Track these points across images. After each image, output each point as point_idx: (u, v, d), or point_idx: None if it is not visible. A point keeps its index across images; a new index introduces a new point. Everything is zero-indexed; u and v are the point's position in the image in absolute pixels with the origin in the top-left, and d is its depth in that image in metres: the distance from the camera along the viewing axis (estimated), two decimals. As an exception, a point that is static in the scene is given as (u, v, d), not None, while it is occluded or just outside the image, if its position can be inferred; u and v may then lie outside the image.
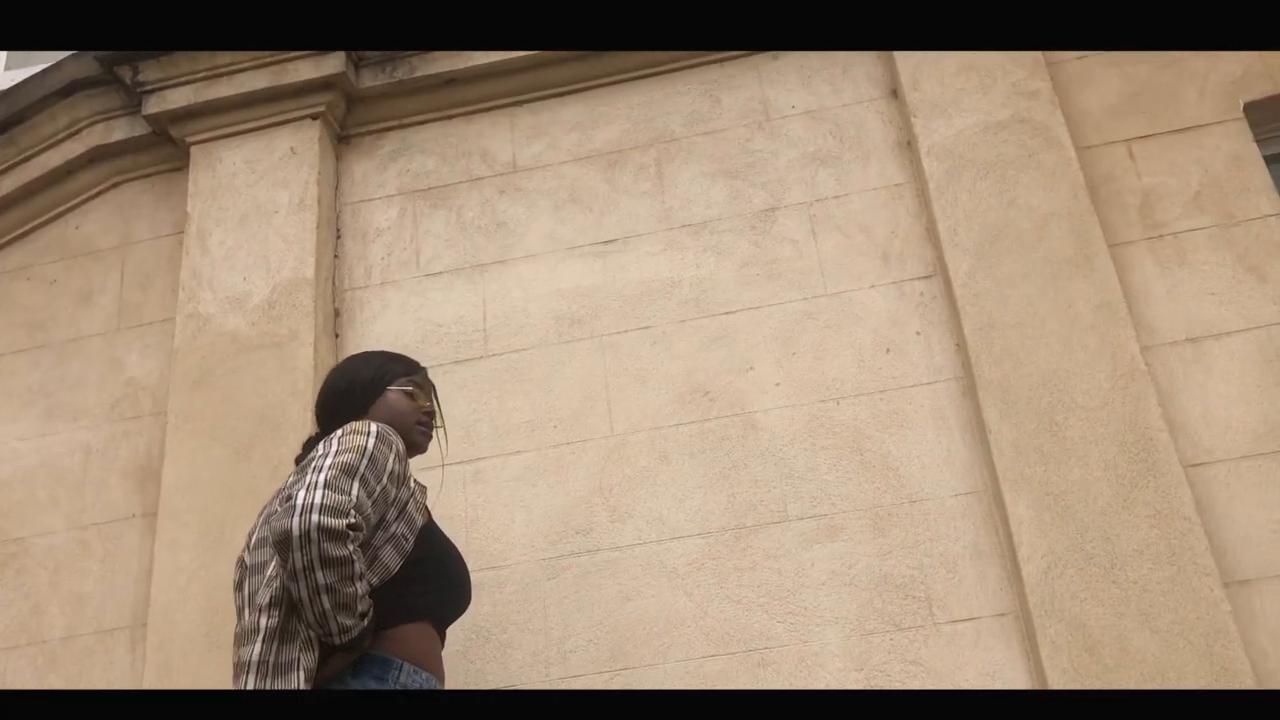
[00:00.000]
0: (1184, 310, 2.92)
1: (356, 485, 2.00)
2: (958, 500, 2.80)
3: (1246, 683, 2.42)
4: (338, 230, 3.50)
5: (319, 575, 1.91)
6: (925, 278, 3.07)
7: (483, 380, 3.17)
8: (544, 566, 2.91)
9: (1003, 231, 3.00)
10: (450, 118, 3.59)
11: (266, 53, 3.54)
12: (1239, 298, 2.90)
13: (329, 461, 1.98)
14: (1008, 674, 2.60)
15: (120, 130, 3.69)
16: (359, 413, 2.32)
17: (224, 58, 3.56)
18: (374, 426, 2.11)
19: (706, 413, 3.01)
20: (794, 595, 2.77)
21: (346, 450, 2.03)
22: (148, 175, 3.72)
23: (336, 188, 3.56)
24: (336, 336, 3.33)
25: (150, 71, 3.60)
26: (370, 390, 2.34)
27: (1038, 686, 2.56)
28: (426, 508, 2.30)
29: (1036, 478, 2.71)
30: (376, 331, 3.30)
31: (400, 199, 3.50)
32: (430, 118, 3.60)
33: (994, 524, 2.75)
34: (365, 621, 1.98)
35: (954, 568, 2.73)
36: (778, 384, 3.01)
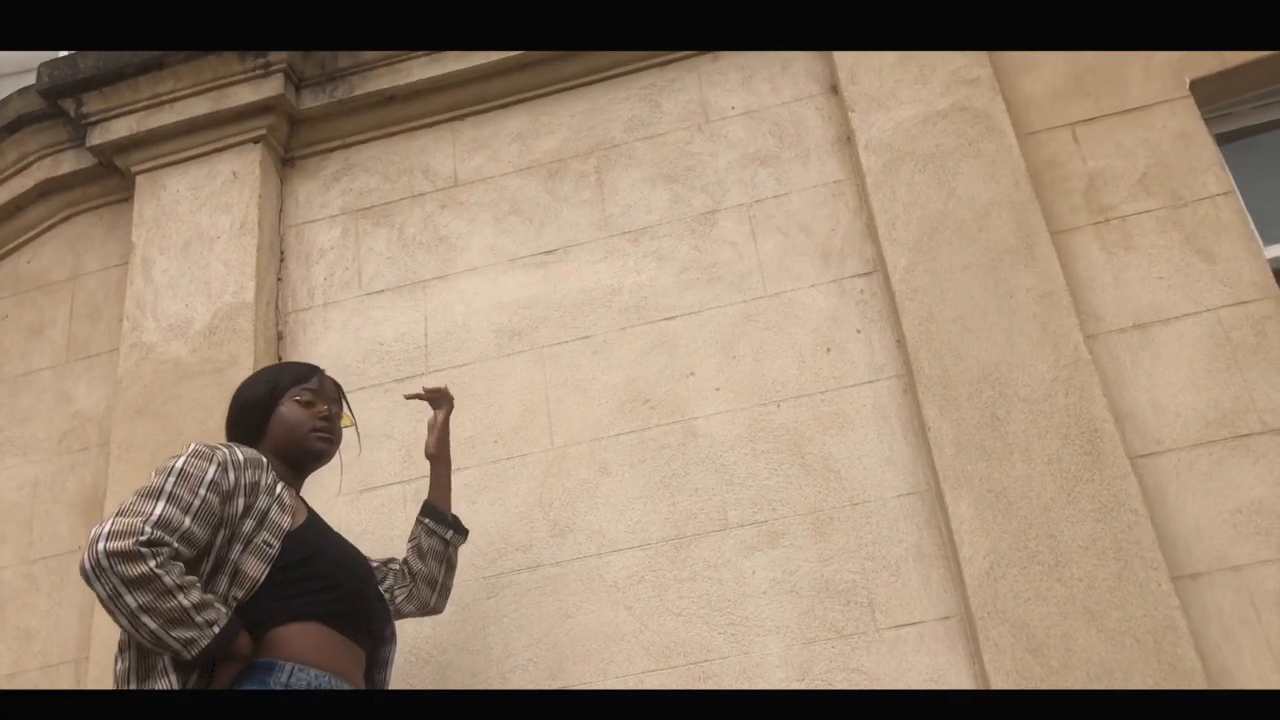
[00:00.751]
0: (1131, 296, 2.82)
1: (159, 504, 1.96)
2: (900, 501, 2.72)
3: (1196, 681, 2.32)
4: (281, 253, 3.47)
5: (128, 599, 1.87)
6: (865, 274, 3.00)
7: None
8: (484, 585, 2.85)
9: (942, 223, 2.92)
10: (392, 135, 3.56)
11: (207, 79, 3.53)
12: (1187, 281, 2.80)
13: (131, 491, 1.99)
14: (951, 678, 2.52)
15: (68, 163, 3.69)
16: (256, 433, 2.30)
17: (165, 85, 3.55)
18: (192, 446, 2.09)
19: (647, 421, 2.95)
20: (735, 605, 2.70)
21: (154, 475, 2.02)
22: (97, 207, 3.72)
23: (281, 210, 3.54)
24: (280, 359, 3.29)
25: (93, 103, 3.60)
26: (263, 407, 2.31)
27: (977, 688, 2.47)
28: (310, 511, 2.26)
29: (978, 475, 2.62)
30: (319, 353, 3.26)
31: (343, 219, 3.47)
32: (372, 136, 3.57)
33: (937, 524, 2.67)
34: (216, 629, 1.92)
35: (897, 571, 2.65)
36: (718, 389, 2.95)
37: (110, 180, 3.69)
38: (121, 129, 3.58)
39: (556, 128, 3.43)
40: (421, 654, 2.81)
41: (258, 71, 3.51)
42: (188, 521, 1.97)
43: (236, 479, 2.08)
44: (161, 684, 1.94)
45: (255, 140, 3.52)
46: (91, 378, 3.40)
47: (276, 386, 2.34)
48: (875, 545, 2.69)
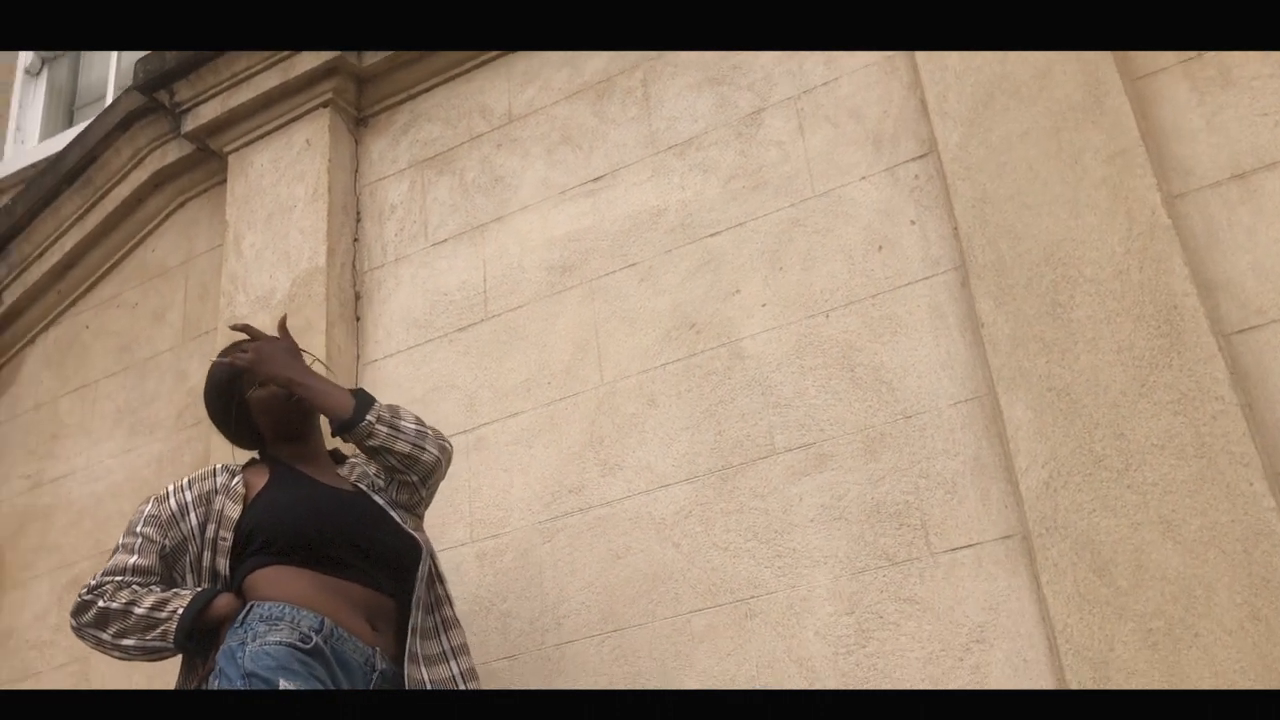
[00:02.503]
0: (1229, 141, 2.37)
1: (111, 558, 2.19)
2: (956, 409, 2.41)
3: (1295, 595, 1.94)
4: (357, 213, 3.49)
5: (103, 637, 2.12)
6: (919, 157, 2.67)
7: (484, 344, 3.07)
8: (540, 530, 2.78)
9: (998, 88, 2.55)
10: (451, 79, 3.49)
11: (274, 51, 3.57)
12: (1298, 114, 2.31)
13: None
14: (1012, 604, 2.22)
15: (173, 152, 3.86)
16: (249, 437, 2.39)
17: (240, 63, 3.63)
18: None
19: (693, 347, 2.77)
20: (782, 536, 2.49)
21: None
22: (204, 191, 3.87)
23: (356, 171, 3.56)
24: (358, 319, 3.33)
25: (183, 91, 3.73)
26: (235, 416, 2.38)
27: (1042, 616, 2.16)
28: (275, 474, 2.26)
29: (1036, 372, 2.29)
30: (391, 310, 3.27)
31: (410, 171, 3.45)
32: (434, 83, 3.51)
33: (997, 433, 2.35)
34: (179, 611, 2.05)
35: (953, 488, 2.36)
36: (764, 305, 2.72)
37: (211, 163, 3.82)
38: (209, 112, 3.69)
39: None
40: (483, 602, 2.78)
41: (317, 36, 3.52)
42: (132, 559, 2.16)
43: (180, 501, 2.22)
44: (194, 676, 2.09)
45: (324, 105, 3.55)
46: (202, 355, 3.55)
47: (229, 394, 2.34)
48: (929, 461, 2.40)
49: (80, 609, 2.13)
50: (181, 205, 3.92)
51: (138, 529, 2.19)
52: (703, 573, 2.55)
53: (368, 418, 2.18)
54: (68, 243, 4.03)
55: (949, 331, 2.48)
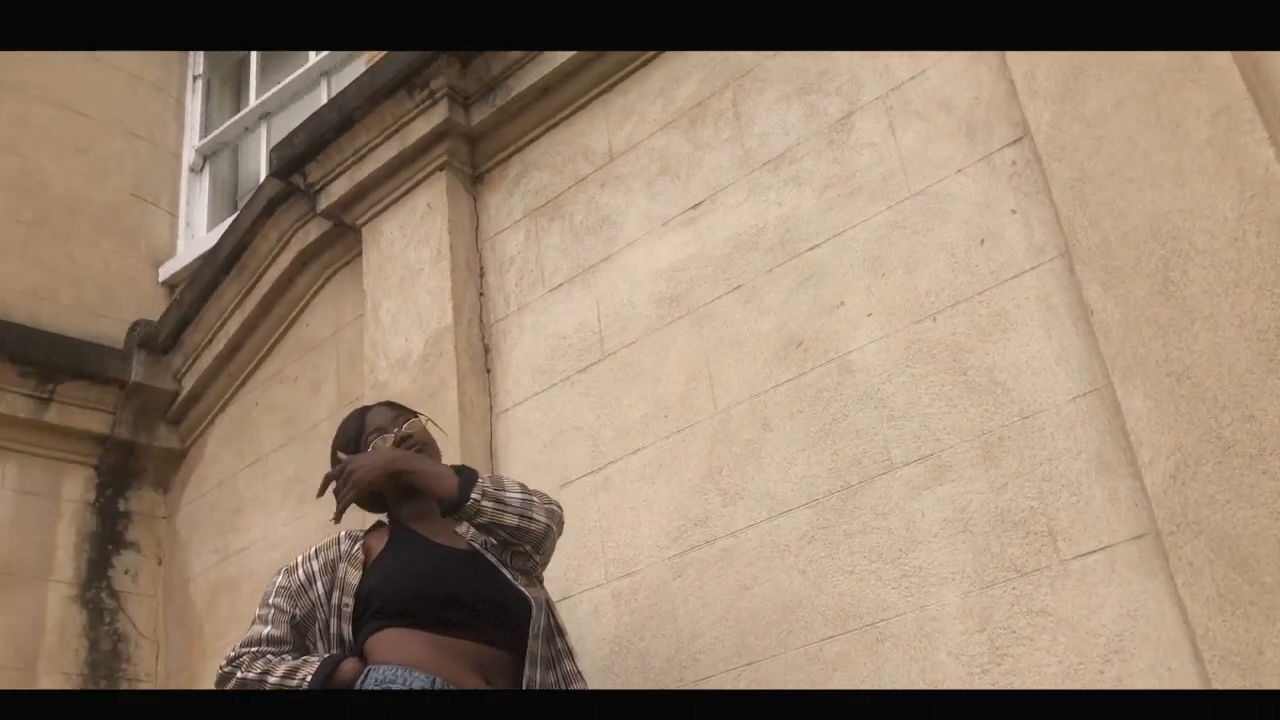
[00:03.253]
0: (1351, 78, 2.15)
1: (250, 629, 2.30)
2: (1076, 405, 2.27)
3: None
4: (481, 268, 3.58)
5: None
6: (1014, 142, 2.53)
7: (602, 383, 3.09)
8: (670, 565, 2.77)
9: (1088, 58, 2.39)
10: (554, 126, 3.54)
11: (389, 123, 3.71)
12: None
13: None
14: (1150, 610, 2.06)
15: (314, 231, 4.05)
16: (371, 500, 2.47)
17: (359, 139, 3.78)
18: None
19: (802, 366, 2.71)
20: (906, 554, 2.40)
21: None
22: (346, 264, 4.05)
23: (477, 228, 3.65)
24: (489, 372, 3.41)
25: (314, 172, 3.92)
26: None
27: (1184, 621, 2.00)
28: (393, 537, 2.34)
29: (1152, 358, 2.13)
30: (517, 358, 3.34)
31: (525, 221, 3.51)
32: (539, 132, 3.57)
33: (1120, 425, 2.19)
34: (311, 678, 2.15)
35: (1078, 489, 2.22)
36: (869, 315, 2.63)
37: (349, 237, 4.00)
38: (339, 189, 3.87)
39: (692, 70, 3.23)
40: (622, 642, 2.79)
41: (425, 103, 3.64)
42: (266, 629, 2.27)
43: (308, 570, 2.31)
44: None
45: (440, 168, 3.66)
46: (354, 421, 3.71)
47: (353, 446, 2.47)
48: (1051, 462, 2.27)
49: (221, 680, 2.24)
50: (328, 280, 4.11)
51: (270, 600, 2.30)
52: (830, 599, 2.48)
53: (473, 496, 2.23)
54: (231, 327, 4.29)
55: (1060, 322, 2.34)
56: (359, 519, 2.61)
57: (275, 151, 4.02)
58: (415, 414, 2.55)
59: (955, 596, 2.31)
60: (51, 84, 4.86)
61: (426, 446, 2.45)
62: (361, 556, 2.30)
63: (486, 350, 3.44)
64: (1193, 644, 1.97)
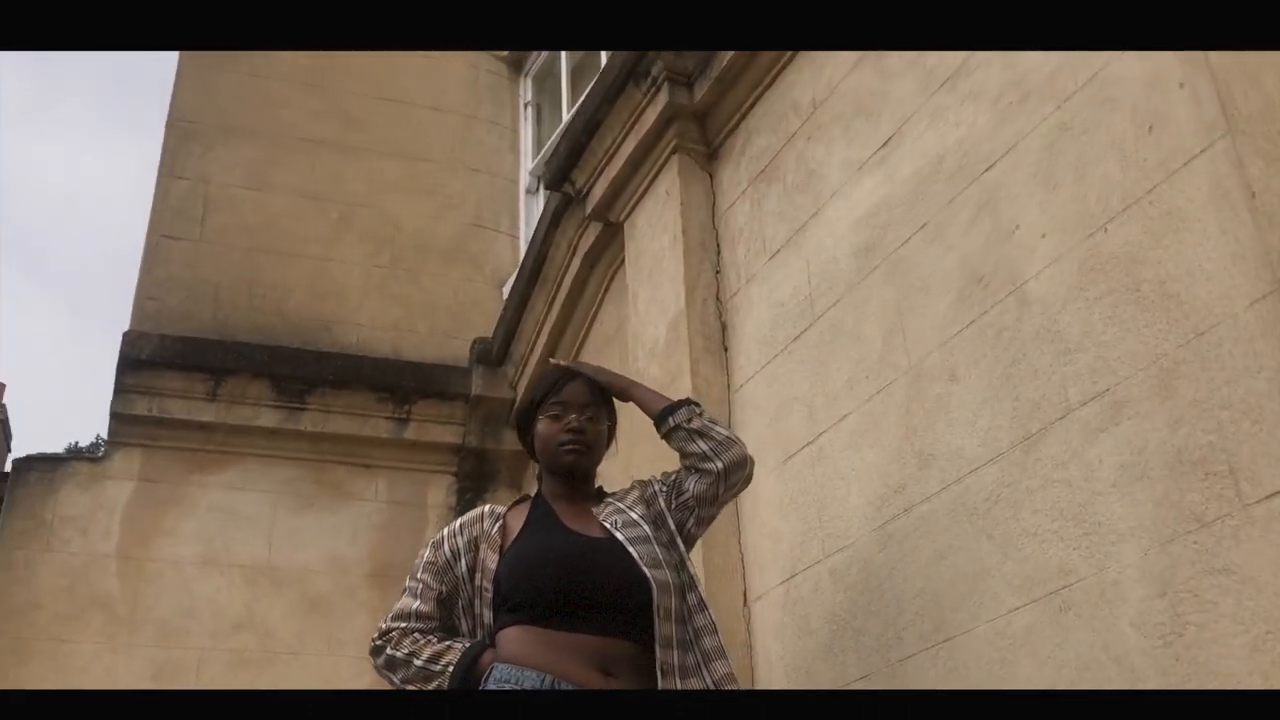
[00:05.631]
0: None
1: (399, 601, 2.31)
2: (1254, 311, 1.82)
3: None
4: (718, 245, 3.54)
5: (395, 680, 2.26)
6: (1179, 0, 2.08)
7: (813, 349, 2.93)
8: (875, 538, 2.58)
9: (1240, -125, 1.91)
10: (768, 85, 3.42)
11: (625, 119, 3.78)
12: None
13: None
14: (1344, 564, 1.61)
15: (592, 234, 4.21)
16: (532, 454, 2.47)
17: (605, 140, 3.89)
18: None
19: (984, 304, 2.40)
20: (1086, 509, 2.06)
21: None
22: (624, 261, 4.16)
23: (714, 205, 3.61)
24: (726, 350, 3.36)
25: (578, 178, 4.09)
26: (525, 429, 2.46)
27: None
28: (529, 521, 2.32)
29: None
30: (747, 333, 3.26)
31: (750, 190, 3.42)
32: (756, 95, 3.46)
33: (1304, 329, 1.74)
34: (450, 668, 2.17)
35: (1259, 415, 1.78)
36: (1043, 236, 2.28)
37: (620, 235, 4.11)
38: (599, 191, 3.99)
39: (877, -2, 2.97)
40: (840, 620, 2.63)
41: (651, 90, 3.66)
42: (415, 603, 2.30)
43: (453, 547, 2.32)
44: None
45: (673, 152, 3.66)
46: (634, 412, 3.81)
47: (531, 403, 2.44)
48: (1230, 385, 1.84)
49: (374, 652, 2.29)
50: (613, 278, 4.25)
51: (419, 575, 2.31)
52: (1017, 565, 2.18)
53: (692, 403, 2.35)
54: (544, 334, 4.56)
55: (1234, 212, 1.89)
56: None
57: (546, 163, 4.22)
58: (608, 407, 2.46)
59: (1135, 555, 1.94)
60: (394, 137, 5.44)
61: (589, 450, 2.39)
62: (499, 539, 2.30)
63: (724, 328, 3.39)
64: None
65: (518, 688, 2.07)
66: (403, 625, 2.28)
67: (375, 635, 2.30)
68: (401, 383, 4.69)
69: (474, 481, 4.75)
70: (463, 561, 2.29)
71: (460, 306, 5.18)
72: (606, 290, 4.29)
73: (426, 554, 2.35)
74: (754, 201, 3.37)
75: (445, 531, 2.36)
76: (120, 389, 4.46)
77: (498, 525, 2.33)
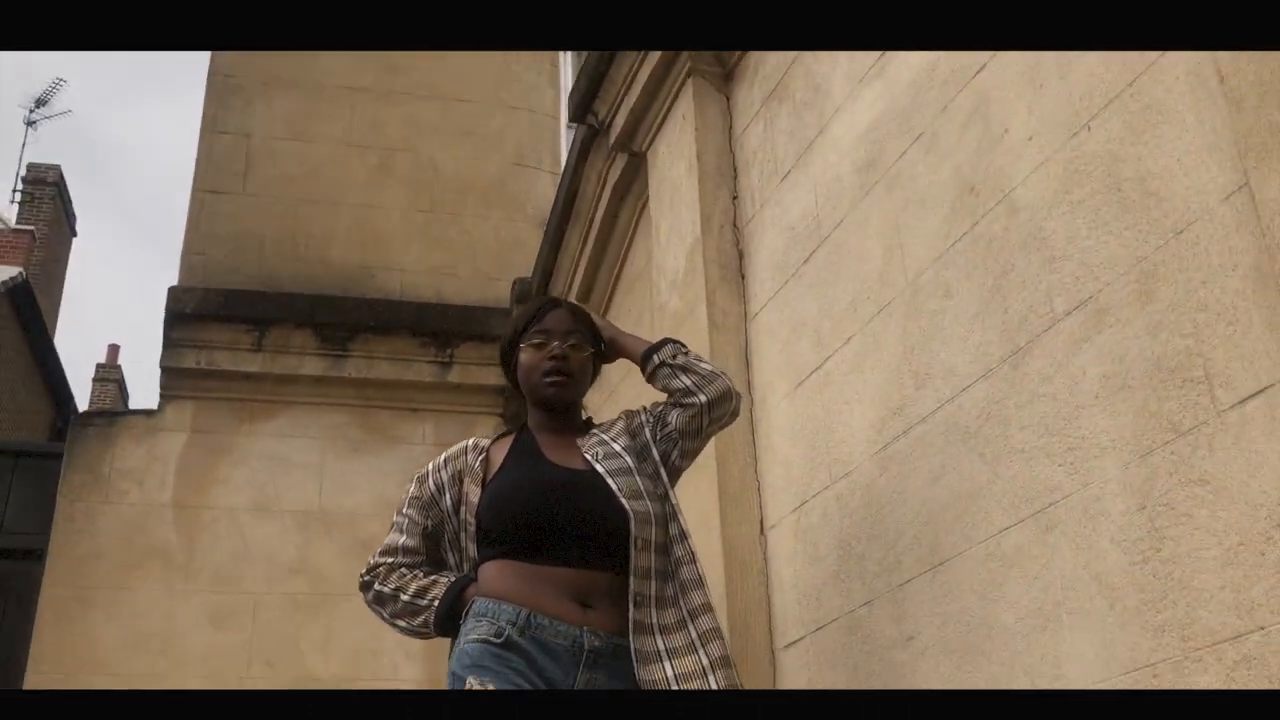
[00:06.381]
0: None
1: (387, 537, 2.33)
2: (1229, 205, 1.71)
3: None
4: (735, 169, 3.46)
5: (383, 614, 2.30)
6: (1159, -126, 1.93)
7: (820, 271, 2.86)
8: (876, 462, 2.52)
9: None
10: (776, 1, 3.30)
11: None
12: None
13: None
14: (1314, 470, 1.51)
15: (619, 165, 4.16)
16: (516, 385, 2.43)
17: (625, 66, 3.82)
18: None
19: (975, 214, 2.30)
20: (1071, 423, 1.97)
21: None
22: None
23: (731, 129, 3.52)
24: (744, 278, 3.29)
25: (601, 108, 4.03)
26: (508, 359, 2.41)
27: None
28: (511, 453, 2.29)
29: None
30: (761, 259, 3.19)
31: (763, 111, 3.32)
32: (766, 12, 3.35)
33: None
34: (436, 603, 2.18)
35: (1234, 314, 1.68)
36: (1030, 138, 2.17)
37: (647, 165, 4.04)
38: (620, 120, 3.93)
39: (875, -100, 2.84)
40: (846, 546, 2.58)
41: (662, 13, 3.56)
42: (401, 539, 2.31)
43: (438, 481, 2.31)
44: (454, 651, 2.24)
45: (688, 75, 3.57)
46: (661, 345, 3.77)
47: (514, 332, 2.39)
48: (1206, 286, 1.73)
49: (363, 588, 2.31)
50: (642, 211, 4.19)
51: (405, 510, 2.31)
52: (1006, 484, 2.11)
53: (675, 341, 2.36)
54: (580, 271, 4.53)
55: (1211, 99, 1.76)
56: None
57: (571, 97, 4.17)
58: (591, 334, 2.42)
59: (1116, 469, 1.85)
60: (434, 80, 5.43)
61: (572, 379, 2.34)
62: (481, 473, 2.27)
63: (741, 255, 3.32)
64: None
65: (494, 620, 2.07)
66: (389, 561, 2.29)
67: (363, 571, 2.32)
68: (444, 326, 4.72)
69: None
70: (447, 496, 2.28)
71: (502, 247, 5.18)
72: (637, 224, 4.24)
73: (412, 489, 2.35)
74: (767, 122, 3.27)
75: (430, 466, 2.35)
76: (169, 343, 4.58)
77: (480, 458, 2.31)
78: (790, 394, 2.91)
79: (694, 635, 2.10)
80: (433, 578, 2.25)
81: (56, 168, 20.31)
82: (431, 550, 2.31)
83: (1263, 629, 1.56)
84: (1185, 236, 1.78)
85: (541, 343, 2.34)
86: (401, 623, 2.26)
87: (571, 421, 2.39)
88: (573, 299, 4.61)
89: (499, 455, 2.32)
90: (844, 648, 2.54)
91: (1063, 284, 2.03)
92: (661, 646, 2.07)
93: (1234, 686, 1.59)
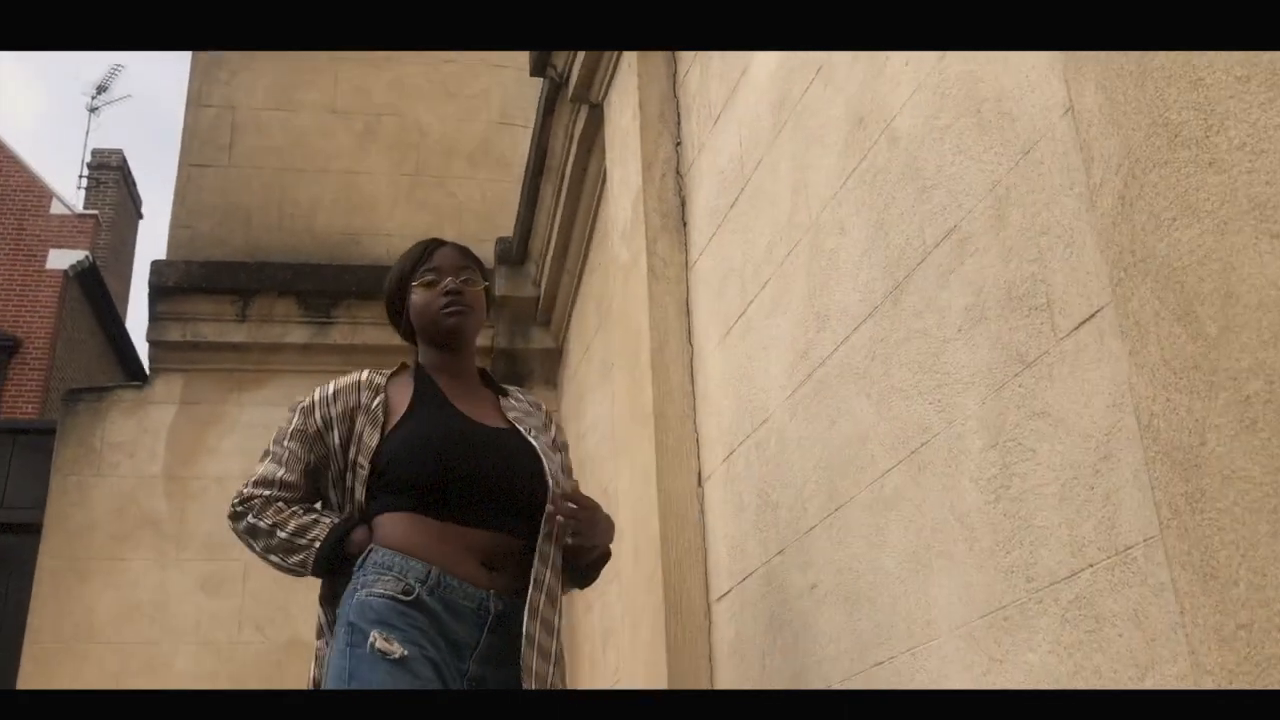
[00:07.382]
0: None
1: (261, 465, 2.19)
2: (1067, 119, 1.61)
3: None
4: (678, 115, 3.38)
5: (255, 548, 2.16)
6: None
7: (744, 215, 2.79)
8: (787, 408, 2.46)
9: None
10: (708, -61, 3.20)
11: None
12: None
13: None
14: (1130, 398, 1.42)
15: (582, 119, 4.09)
16: (408, 329, 2.33)
17: (574, 17, 3.74)
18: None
19: (864, 147, 2.22)
20: (939, 358, 1.90)
21: None
22: (614, 142, 4.04)
23: (675, 75, 3.44)
24: (685, 224, 3.23)
25: (558, 60, 3.97)
26: (398, 301, 2.32)
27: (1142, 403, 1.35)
28: (419, 397, 2.20)
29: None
30: (699, 206, 3.12)
31: (700, 54, 3.24)
32: (700, -49, 3.26)
33: (1106, 135, 1.52)
34: (316, 543, 2.08)
35: (1071, 235, 1.59)
36: (906, 64, 2.08)
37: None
38: (576, 72, 3.87)
39: None
40: (764, 494, 2.54)
41: (602, -40, 3.49)
42: (280, 471, 2.17)
43: (324, 415, 2.19)
44: (330, 594, 2.16)
45: (632, 22, 3.49)
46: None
47: (401, 276, 2.31)
48: (1049, 208, 1.64)
49: (234, 517, 2.17)
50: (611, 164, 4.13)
51: (285, 441, 2.19)
52: (889, 425, 2.04)
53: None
54: (556, 227, 4.49)
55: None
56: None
57: (530, 51, 4.11)
58: (481, 271, 2.34)
59: (975, 405, 1.78)
60: (419, 44, 5.39)
61: (472, 311, 2.26)
62: (381, 417, 2.18)
63: (683, 203, 3.25)
64: (1140, 439, 1.33)
65: (401, 576, 2.02)
66: (266, 493, 2.16)
67: (235, 500, 2.18)
68: (427, 288, 4.71)
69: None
70: (335, 432, 2.17)
71: (488, 208, 5.16)
72: (606, 177, 4.17)
73: (296, 420, 2.22)
74: (703, 64, 3.19)
75: (316, 396, 2.23)
76: (154, 317, 4.64)
77: (378, 399, 2.20)
78: (721, 342, 2.85)
79: (558, 626, 2.08)
80: (313, 516, 2.13)
81: (119, 152, 20.73)
82: (309, 487, 2.20)
83: (1091, 567, 1.49)
84: (1032, 156, 1.69)
85: (434, 280, 2.24)
86: (274, 558, 2.14)
87: (467, 363, 2.31)
88: (552, 255, 4.58)
89: (400, 397, 2.22)
90: (763, 598, 2.50)
91: (932, 214, 1.95)
92: (551, 620, 2.05)
93: (1068, 629, 1.52)
